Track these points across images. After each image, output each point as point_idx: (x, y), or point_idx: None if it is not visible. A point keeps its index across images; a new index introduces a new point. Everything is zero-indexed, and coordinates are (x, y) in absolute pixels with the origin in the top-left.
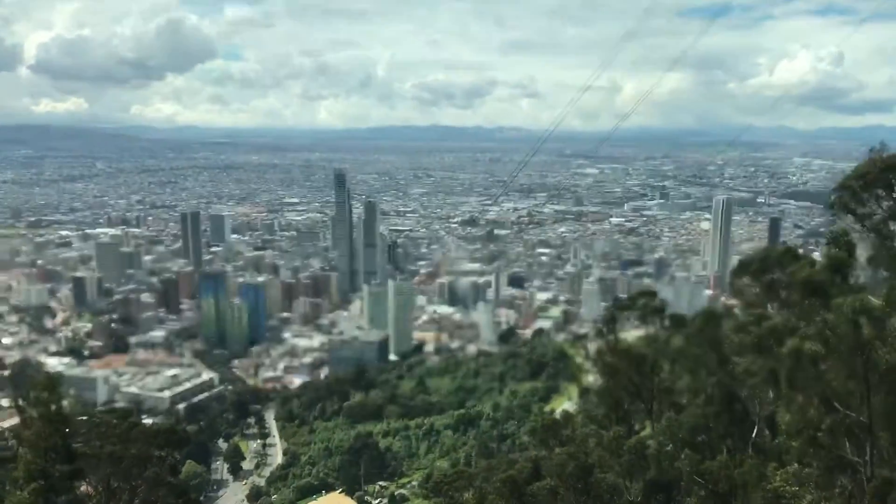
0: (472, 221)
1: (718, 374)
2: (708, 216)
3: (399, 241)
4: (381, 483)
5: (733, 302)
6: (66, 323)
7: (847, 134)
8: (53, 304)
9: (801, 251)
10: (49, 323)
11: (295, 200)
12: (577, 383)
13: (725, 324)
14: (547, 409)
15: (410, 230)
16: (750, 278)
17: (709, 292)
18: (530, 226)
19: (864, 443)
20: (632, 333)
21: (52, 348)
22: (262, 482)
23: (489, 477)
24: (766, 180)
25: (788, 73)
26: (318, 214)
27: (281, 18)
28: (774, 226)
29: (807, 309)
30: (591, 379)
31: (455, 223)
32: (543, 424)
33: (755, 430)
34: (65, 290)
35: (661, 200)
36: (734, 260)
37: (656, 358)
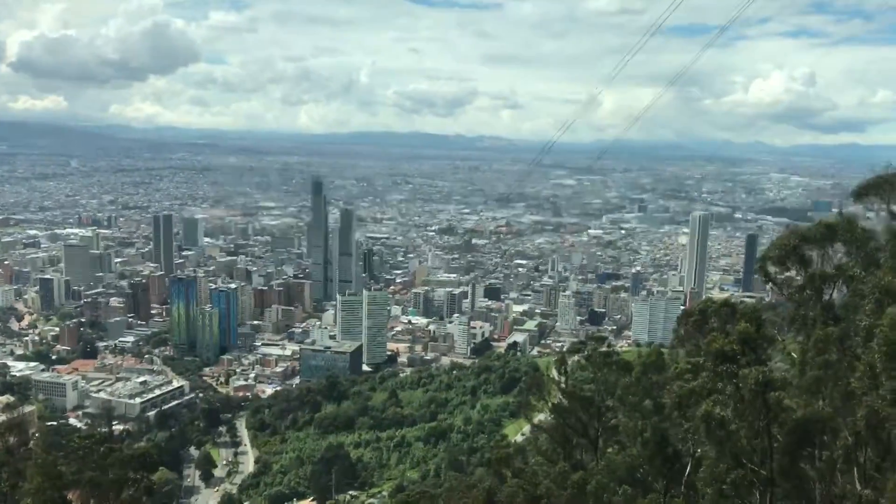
0: (450, 230)
1: (653, 420)
2: (686, 230)
3: (375, 248)
4: (351, 493)
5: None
6: (32, 326)
7: (822, 151)
8: (19, 305)
9: (740, 301)
10: (15, 325)
11: (271, 204)
12: (529, 420)
13: (672, 364)
14: (515, 425)
15: (387, 237)
16: (691, 328)
17: (685, 308)
18: (508, 236)
19: (765, 494)
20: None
21: (19, 351)
22: (233, 490)
23: (450, 498)
24: (743, 195)
25: (762, 91)
26: (294, 219)
27: (265, 24)
28: (751, 242)
29: (720, 375)
30: (543, 417)
31: (433, 231)
32: (497, 457)
33: (687, 471)
34: (31, 292)
35: (640, 213)
36: (711, 276)
37: (602, 400)
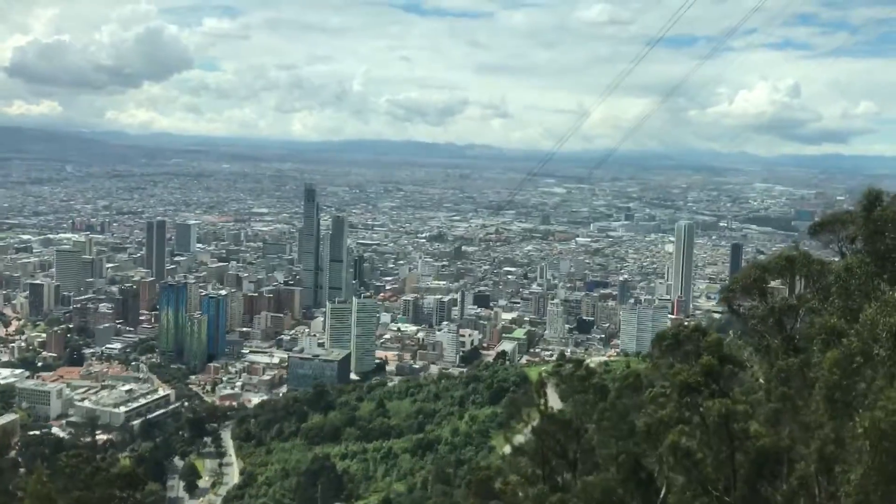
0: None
1: (627, 443)
2: (672, 238)
3: (366, 255)
4: None
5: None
6: (19, 332)
7: (806, 161)
8: (8, 311)
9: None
10: (2, 331)
11: (263, 211)
12: (509, 443)
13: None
14: (500, 439)
15: (378, 244)
16: (664, 352)
17: (672, 316)
18: (498, 243)
19: None
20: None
21: (4, 358)
22: (218, 501)
23: None
24: (728, 204)
25: (747, 102)
26: (286, 226)
27: (259, 31)
28: (736, 251)
29: (685, 406)
30: (522, 439)
31: (423, 238)
32: (478, 479)
33: (662, 494)
34: (21, 297)
35: (627, 222)
36: (697, 284)
37: (580, 422)
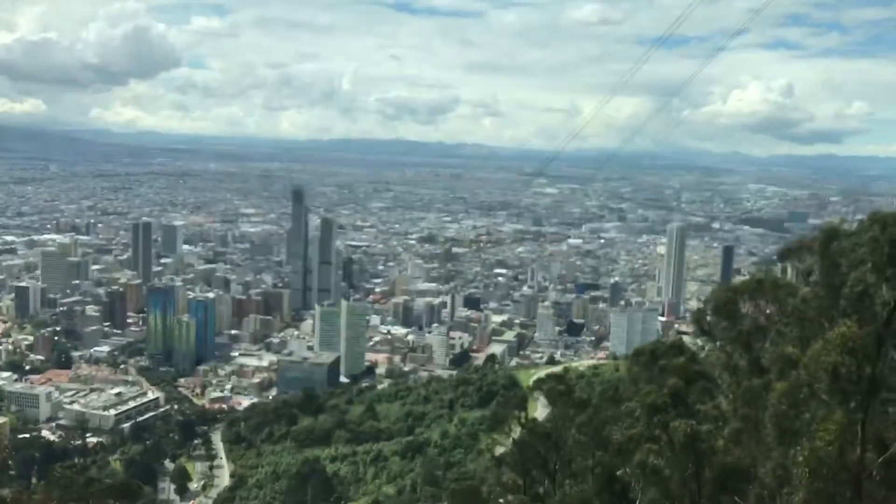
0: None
1: (603, 456)
2: (664, 240)
3: (355, 257)
4: None
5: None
6: (6, 335)
7: (799, 162)
8: None
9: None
10: None
11: (251, 211)
12: (490, 454)
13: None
14: (489, 440)
15: (368, 245)
16: (641, 368)
17: (662, 319)
18: (489, 245)
19: None
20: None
21: None
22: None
23: None
24: (721, 205)
25: (741, 102)
26: (274, 227)
27: (247, 30)
28: (728, 253)
29: (653, 425)
30: (503, 450)
31: (413, 239)
32: (461, 490)
33: None
34: (6, 300)
35: (619, 223)
36: (689, 286)
37: (560, 434)
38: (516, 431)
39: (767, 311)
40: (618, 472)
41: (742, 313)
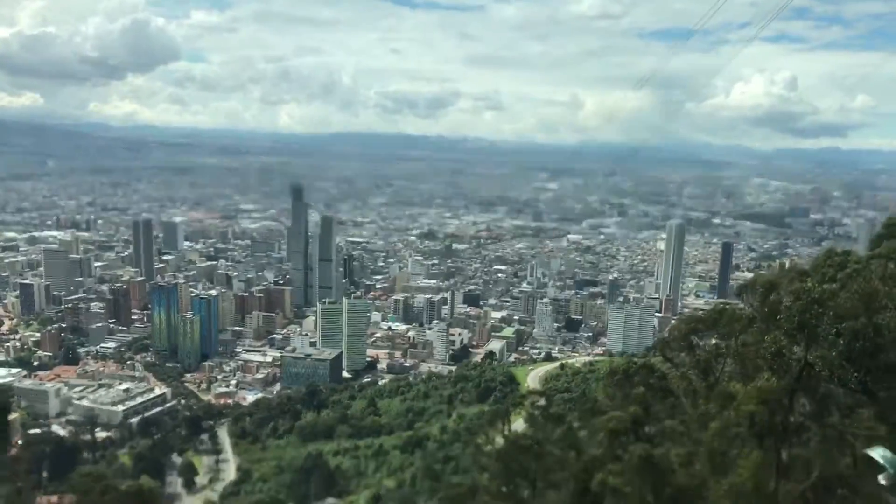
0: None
1: (574, 469)
2: (664, 236)
3: (356, 253)
4: (330, 500)
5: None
6: (13, 331)
7: (803, 156)
8: (0, 310)
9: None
10: None
11: (250, 207)
12: (476, 462)
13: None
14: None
15: (368, 241)
16: (615, 387)
17: (659, 315)
18: (489, 241)
19: None
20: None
21: (0, 357)
22: (215, 497)
23: None
24: (723, 200)
25: (744, 95)
26: (274, 223)
27: (247, 24)
28: (727, 249)
29: (615, 447)
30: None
31: (413, 236)
32: (452, 495)
33: None
34: (11, 297)
35: (620, 218)
36: (687, 282)
37: (540, 447)
38: (499, 443)
39: (725, 344)
40: (590, 486)
41: (700, 344)
